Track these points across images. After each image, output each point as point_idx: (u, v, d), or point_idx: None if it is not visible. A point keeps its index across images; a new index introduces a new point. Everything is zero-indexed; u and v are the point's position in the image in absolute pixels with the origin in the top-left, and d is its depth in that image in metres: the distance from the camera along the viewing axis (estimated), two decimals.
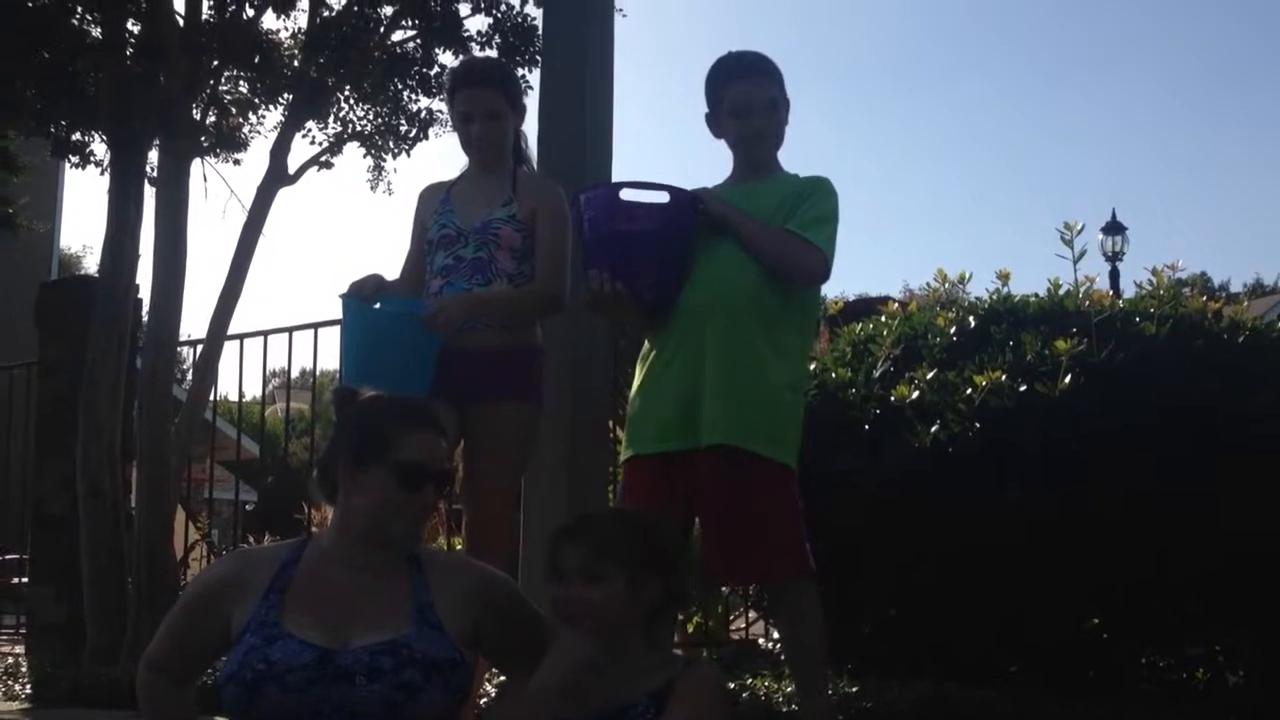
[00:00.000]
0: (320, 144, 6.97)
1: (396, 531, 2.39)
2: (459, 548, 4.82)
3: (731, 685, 3.70)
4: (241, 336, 6.39)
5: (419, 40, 6.88)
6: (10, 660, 5.93)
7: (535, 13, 6.76)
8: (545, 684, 2.28)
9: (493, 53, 6.72)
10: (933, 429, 3.61)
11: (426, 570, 2.42)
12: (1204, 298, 4.09)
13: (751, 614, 5.56)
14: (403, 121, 7.04)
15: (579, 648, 2.29)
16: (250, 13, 6.40)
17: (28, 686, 5.06)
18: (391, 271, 3.67)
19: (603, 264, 3.10)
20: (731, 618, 5.73)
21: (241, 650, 2.30)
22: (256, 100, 7.00)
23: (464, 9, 6.84)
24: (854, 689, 3.53)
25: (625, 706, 2.31)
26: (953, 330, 4.02)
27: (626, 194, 3.16)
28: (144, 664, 2.49)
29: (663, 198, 3.12)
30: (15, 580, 8.59)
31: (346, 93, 6.87)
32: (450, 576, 2.44)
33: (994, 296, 4.21)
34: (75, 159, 6.62)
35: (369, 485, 2.37)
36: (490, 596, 2.46)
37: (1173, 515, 3.47)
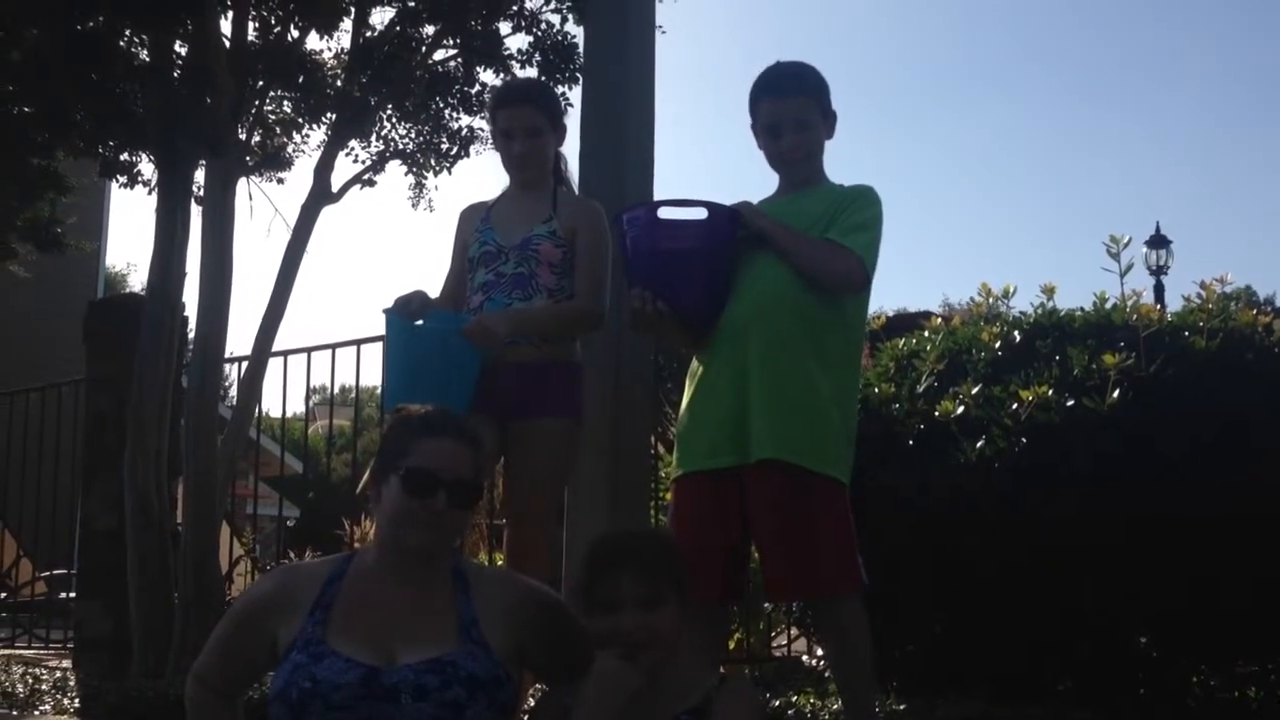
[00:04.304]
0: (363, 162, 7.03)
1: (409, 541, 2.37)
2: (500, 563, 4.83)
3: (776, 703, 3.69)
4: (285, 353, 6.44)
5: (460, 59, 6.93)
6: (59, 674, 5.99)
7: (575, 31, 6.80)
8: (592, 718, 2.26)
9: (533, 71, 6.76)
10: (978, 444, 3.58)
11: (472, 586, 2.42)
12: (1253, 311, 4.03)
13: (793, 630, 5.52)
14: (444, 139, 7.09)
15: (627, 681, 2.27)
16: (295, 34, 6.48)
17: (76, 700, 5.11)
18: (433, 289, 3.70)
19: (645, 283, 3.11)
20: (773, 634, 5.70)
21: (288, 668, 2.31)
22: (300, 120, 7.08)
23: (504, 28, 6.90)
24: (901, 706, 3.50)
25: None
26: (997, 345, 3.98)
27: (665, 212, 3.16)
28: (192, 679, 2.51)
29: (701, 214, 3.12)
30: (62, 595, 8.69)
31: (389, 111, 6.92)
32: (495, 592, 2.44)
33: (1039, 311, 4.17)
34: (123, 179, 6.71)
35: (386, 496, 2.39)
36: (535, 612, 2.46)
37: (1224, 532, 3.42)
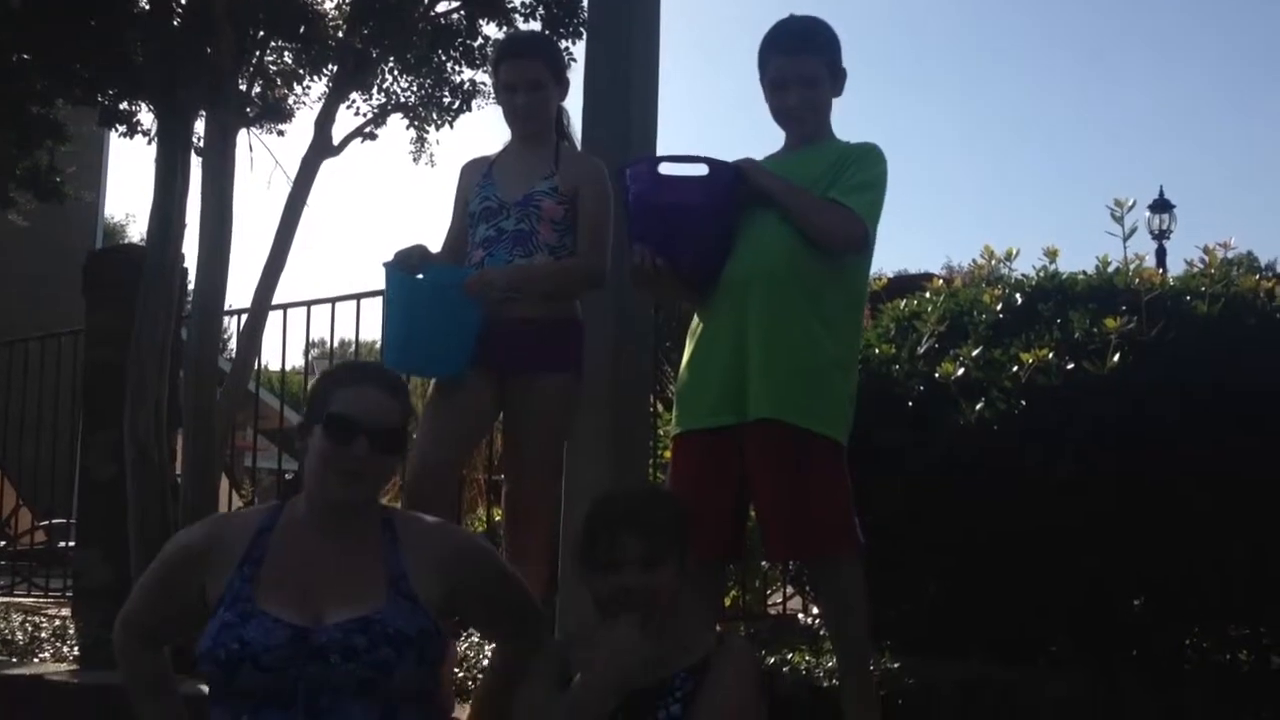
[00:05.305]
0: (364, 115, 6.96)
1: (331, 491, 2.35)
2: (498, 519, 4.84)
3: (771, 660, 3.71)
4: (285, 306, 6.43)
5: (463, 11, 6.85)
6: (58, 622, 6.03)
7: None
8: (601, 685, 2.27)
9: (536, 25, 6.69)
10: (978, 406, 3.58)
11: (401, 537, 2.39)
12: (1255, 277, 4.02)
13: (789, 589, 5.56)
14: (446, 93, 7.02)
15: (630, 645, 2.27)
16: None
17: (75, 648, 5.15)
18: (434, 244, 3.68)
19: (645, 238, 3.10)
20: (769, 592, 5.74)
21: (216, 626, 2.29)
22: (301, 71, 7.00)
23: None
24: (895, 665, 3.53)
25: (663, 682, 2.32)
26: (999, 307, 3.98)
27: (666, 167, 3.15)
28: (119, 624, 2.50)
29: (702, 170, 3.10)
30: (62, 543, 8.73)
31: (390, 64, 6.85)
32: (424, 543, 2.41)
33: (1041, 273, 4.16)
34: (122, 128, 6.65)
35: (311, 446, 2.38)
36: (465, 564, 2.44)
37: (1223, 495, 3.43)
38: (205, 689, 2.36)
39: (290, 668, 2.22)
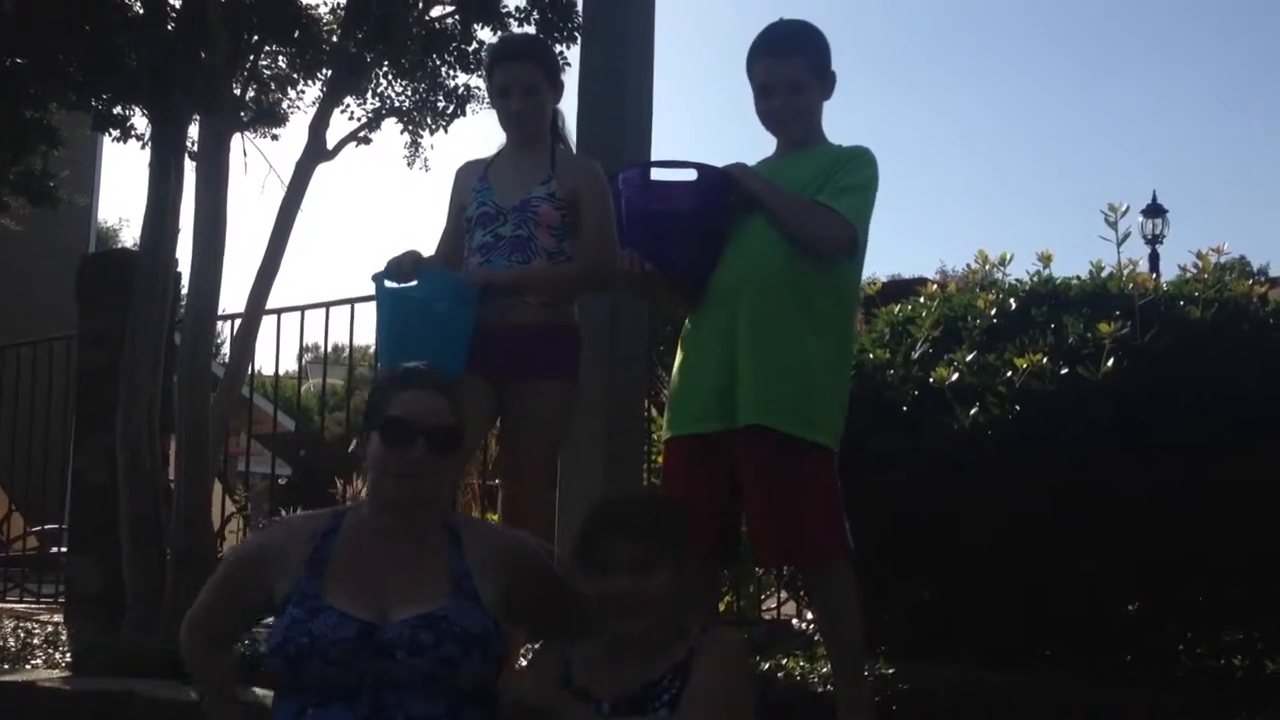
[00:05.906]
0: (358, 120, 6.95)
1: (390, 495, 2.41)
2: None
3: (766, 666, 3.70)
4: (279, 311, 6.43)
5: (458, 16, 6.85)
6: (50, 629, 6.00)
7: None
8: None
9: (531, 29, 6.69)
10: (972, 411, 3.58)
11: (463, 539, 2.45)
12: (1249, 281, 4.03)
13: (783, 593, 5.55)
14: (440, 98, 7.02)
15: None
16: None
17: (67, 655, 5.13)
18: (427, 248, 3.67)
19: (634, 244, 3.11)
20: (763, 597, 5.73)
21: (285, 622, 2.34)
22: (296, 76, 6.99)
23: None
24: (889, 671, 3.52)
25: (650, 683, 2.32)
26: (993, 312, 3.98)
27: (657, 173, 3.15)
28: (186, 627, 2.56)
29: (691, 175, 3.10)
30: (54, 549, 8.71)
31: (385, 68, 6.84)
32: (484, 544, 2.48)
33: (1035, 278, 4.16)
34: (116, 133, 6.63)
35: (370, 453, 2.43)
36: (519, 564, 2.50)
37: (1216, 502, 3.43)
38: (269, 697, 2.40)
39: (357, 662, 2.26)
